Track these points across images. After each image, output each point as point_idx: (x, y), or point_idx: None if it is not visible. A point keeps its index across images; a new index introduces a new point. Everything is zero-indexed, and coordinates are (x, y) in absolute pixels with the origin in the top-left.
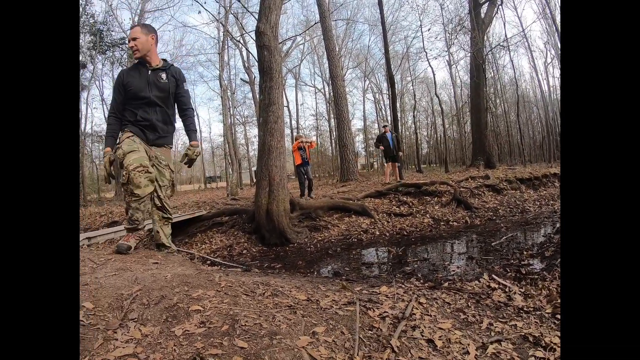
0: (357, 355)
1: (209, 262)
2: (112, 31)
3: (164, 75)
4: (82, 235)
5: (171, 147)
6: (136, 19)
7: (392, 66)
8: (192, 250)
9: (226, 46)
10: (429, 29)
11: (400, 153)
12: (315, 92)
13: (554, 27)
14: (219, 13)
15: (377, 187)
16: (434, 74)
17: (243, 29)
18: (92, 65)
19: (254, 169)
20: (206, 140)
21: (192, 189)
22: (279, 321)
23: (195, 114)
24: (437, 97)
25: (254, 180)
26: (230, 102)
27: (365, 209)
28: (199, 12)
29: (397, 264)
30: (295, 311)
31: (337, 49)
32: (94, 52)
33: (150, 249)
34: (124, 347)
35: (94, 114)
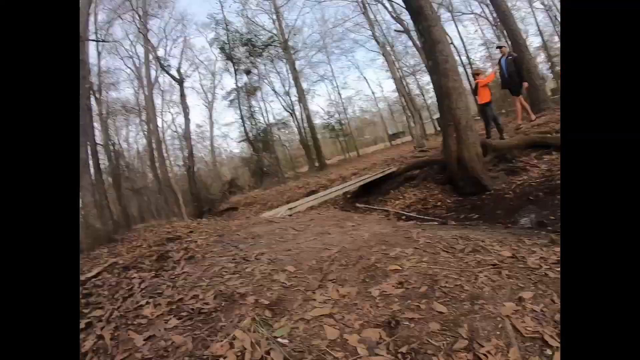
0: None
1: (404, 217)
2: (259, 35)
3: None
4: (283, 208)
5: None
6: (274, 17)
7: None
8: (386, 207)
9: (367, 4)
10: None
11: (525, 84)
12: (477, 18)
13: None
14: None
15: None
16: None
17: None
18: (256, 69)
19: (435, 117)
20: (381, 99)
21: (378, 149)
22: (482, 283)
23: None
24: None
25: (438, 128)
26: (392, 56)
27: None
28: None
29: None
30: (500, 271)
31: None
32: (253, 58)
33: (348, 210)
34: (321, 308)
35: (273, 106)
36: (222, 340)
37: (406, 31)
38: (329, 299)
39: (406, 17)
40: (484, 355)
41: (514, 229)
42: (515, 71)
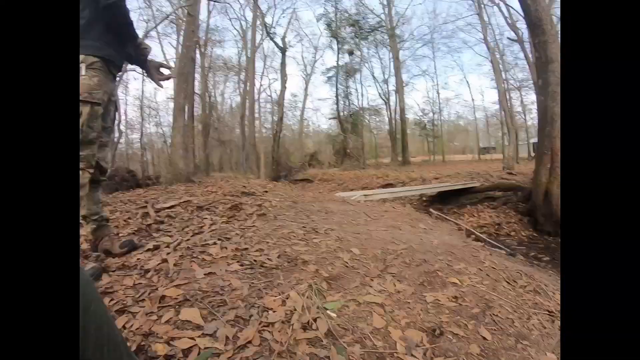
0: None
1: (473, 236)
2: (367, 18)
3: None
4: (359, 192)
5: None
6: (385, 2)
7: None
8: (459, 221)
9: (482, 5)
10: None
11: None
12: None
13: None
14: None
15: None
16: None
17: None
18: (359, 51)
19: (532, 141)
20: (479, 109)
21: (465, 159)
22: (533, 325)
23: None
24: None
25: (532, 154)
26: (500, 66)
27: None
28: None
29: None
30: (554, 320)
31: None
32: (357, 40)
33: (421, 212)
34: (375, 295)
35: (368, 91)
36: (276, 296)
37: (520, 41)
38: (384, 290)
39: (522, 25)
40: None
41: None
42: None
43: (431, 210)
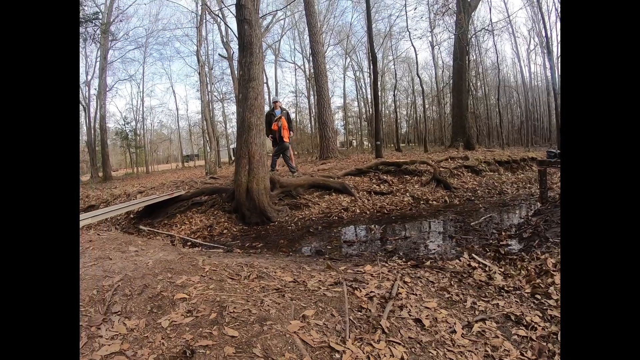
0: (349, 337)
1: (189, 243)
2: (84, 6)
3: None
4: None
5: None
6: None
7: (374, 44)
8: (171, 232)
9: (204, 20)
10: (414, 9)
11: (291, 133)
12: (295, 69)
13: (540, 15)
14: None
15: (357, 165)
16: (416, 54)
17: (222, 2)
18: None
19: (232, 146)
20: (183, 118)
21: (170, 169)
22: (268, 305)
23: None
24: (419, 77)
25: (233, 158)
26: (208, 79)
27: (346, 187)
28: None
29: (379, 242)
30: (284, 294)
31: (318, 25)
32: None
33: (130, 233)
34: (109, 345)
35: None
36: None
37: (229, 59)
38: (116, 334)
39: (235, 45)
40: None
41: (295, 257)
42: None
43: (141, 227)
